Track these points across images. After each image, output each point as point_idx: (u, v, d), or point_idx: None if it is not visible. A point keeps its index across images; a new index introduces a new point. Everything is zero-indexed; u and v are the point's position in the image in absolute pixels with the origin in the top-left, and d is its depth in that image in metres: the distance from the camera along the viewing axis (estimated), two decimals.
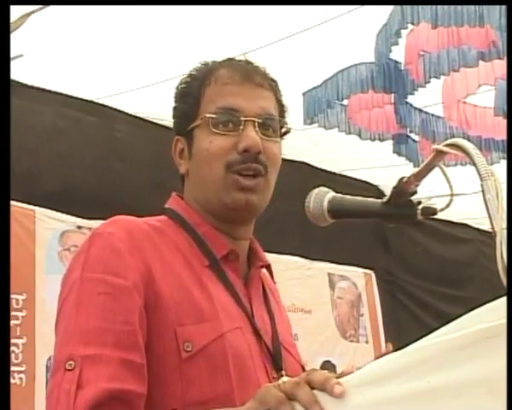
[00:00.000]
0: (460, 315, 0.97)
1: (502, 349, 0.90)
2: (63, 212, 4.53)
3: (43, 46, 4.16)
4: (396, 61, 4.57)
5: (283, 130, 1.61)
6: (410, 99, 4.87)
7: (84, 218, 4.48)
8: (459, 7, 3.99)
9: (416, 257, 6.86)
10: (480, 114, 5.03)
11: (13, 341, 4.03)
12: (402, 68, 4.58)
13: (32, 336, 4.14)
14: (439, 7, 4.00)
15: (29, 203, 4.39)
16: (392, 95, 4.83)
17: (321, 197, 1.40)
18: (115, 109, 4.96)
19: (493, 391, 0.90)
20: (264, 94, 1.56)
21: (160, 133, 4.77)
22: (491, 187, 1.10)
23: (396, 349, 1.00)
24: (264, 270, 1.66)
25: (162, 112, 4.66)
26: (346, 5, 4.07)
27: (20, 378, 4.07)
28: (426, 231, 6.76)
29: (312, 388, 1.01)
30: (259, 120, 1.52)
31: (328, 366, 5.55)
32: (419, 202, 1.32)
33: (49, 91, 4.66)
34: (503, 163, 4.94)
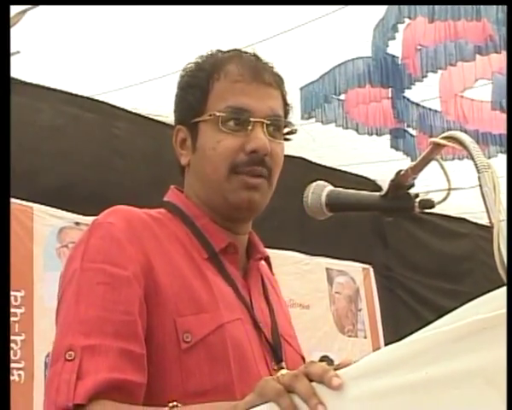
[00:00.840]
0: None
1: (499, 340, 0.90)
2: (61, 208, 4.53)
3: (41, 43, 4.15)
4: (393, 56, 4.58)
5: (287, 129, 1.60)
6: (408, 93, 4.87)
7: (82, 214, 4.47)
8: None
9: (414, 252, 6.86)
10: (477, 108, 5.03)
11: (11, 337, 4.03)
12: (399, 63, 4.59)
13: (30, 333, 4.14)
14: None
15: (27, 200, 4.38)
16: (390, 89, 4.83)
17: (319, 191, 1.41)
18: (114, 106, 4.96)
19: (491, 382, 0.91)
20: (272, 93, 1.55)
21: (159, 130, 4.77)
22: (488, 179, 1.11)
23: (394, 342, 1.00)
24: (263, 262, 1.66)
25: (161, 108, 4.67)
26: (341, 5, 4.07)
27: (19, 375, 4.07)
28: (424, 225, 6.76)
29: (311, 380, 1.02)
30: (268, 122, 1.51)
31: (326, 361, 5.57)
32: (416, 195, 1.33)
33: (47, 88, 4.65)
34: (501, 157, 4.94)
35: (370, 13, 4.22)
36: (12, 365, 4.01)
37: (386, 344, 1.30)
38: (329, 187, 1.42)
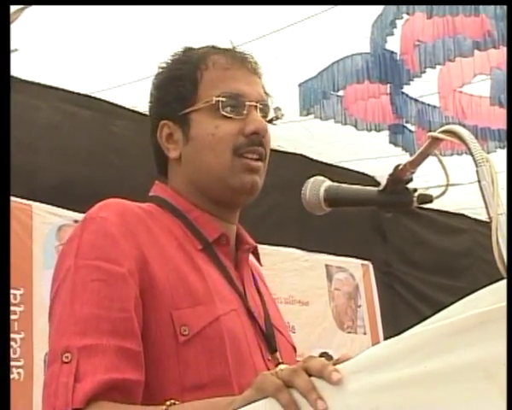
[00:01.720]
0: None
1: (497, 334, 0.90)
2: (60, 206, 4.52)
3: (39, 40, 4.15)
4: (391, 52, 4.58)
5: (271, 116, 1.62)
6: (406, 89, 4.87)
7: (81, 212, 4.44)
8: None
9: (413, 248, 6.86)
10: (475, 104, 5.03)
11: (11, 336, 4.03)
12: (397, 58, 4.59)
13: (29, 331, 4.14)
14: None
15: (26, 198, 4.38)
16: (388, 85, 4.83)
17: (317, 186, 1.41)
18: (112, 104, 4.96)
19: (490, 376, 0.91)
20: (257, 81, 1.59)
21: None
22: (486, 173, 1.11)
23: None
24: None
25: None
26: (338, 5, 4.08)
27: (19, 373, 4.07)
28: (423, 221, 6.76)
29: (310, 375, 1.02)
30: (261, 106, 1.54)
31: (325, 357, 5.55)
32: (415, 190, 1.33)
33: (45, 86, 4.64)
34: (500, 152, 4.94)
35: (369, 9, 4.22)
36: (11, 363, 4.01)
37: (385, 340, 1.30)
38: (328, 182, 1.41)
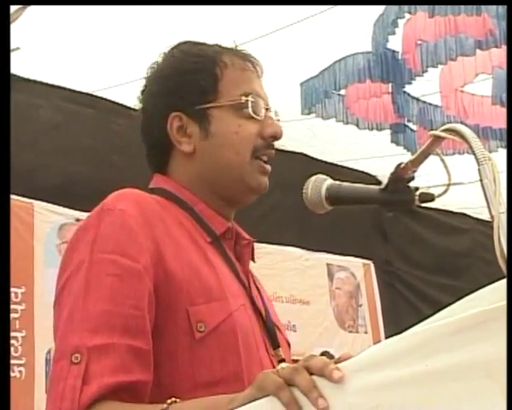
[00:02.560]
0: None
1: (499, 333, 0.90)
2: (62, 205, 4.53)
3: (40, 39, 4.15)
4: (393, 51, 4.58)
5: None
6: (408, 88, 4.88)
7: (82, 211, 4.47)
8: None
9: (414, 247, 6.86)
10: (477, 103, 5.03)
11: (12, 334, 4.03)
12: (399, 58, 4.59)
13: (31, 330, 4.14)
14: None
15: (27, 197, 4.38)
16: (390, 84, 4.83)
17: (319, 184, 1.40)
18: (113, 102, 4.95)
19: (491, 375, 0.90)
20: (262, 84, 1.60)
21: None
22: (488, 172, 1.10)
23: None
24: None
25: None
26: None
27: (20, 371, 4.07)
28: (424, 221, 6.76)
29: (311, 373, 1.01)
30: (272, 110, 1.57)
31: (326, 356, 5.54)
32: (416, 189, 1.32)
33: (47, 84, 4.65)
34: (501, 151, 4.94)
35: (370, 8, 4.22)
36: (13, 361, 4.01)
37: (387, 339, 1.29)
38: (329, 180, 1.41)
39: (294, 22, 4.30)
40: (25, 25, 3.86)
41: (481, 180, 1.10)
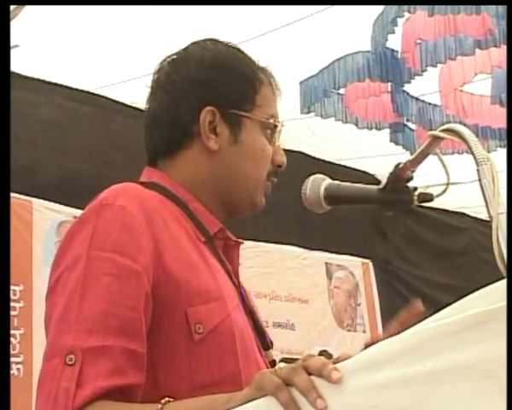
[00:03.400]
0: None
1: (498, 333, 0.90)
2: (60, 203, 4.53)
3: (39, 37, 4.15)
4: (392, 50, 4.58)
5: None
6: (407, 88, 4.88)
7: (81, 209, 4.44)
8: None
9: (413, 246, 6.86)
10: (476, 103, 5.03)
11: (10, 332, 4.03)
12: (399, 57, 4.59)
13: (29, 327, 4.15)
14: None
15: (26, 194, 4.38)
16: (389, 83, 4.84)
17: (317, 184, 1.40)
18: (112, 100, 4.95)
19: (490, 375, 0.90)
20: None
21: None
22: (487, 172, 1.10)
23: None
24: None
25: None
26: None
27: (18, 369, 4.07)
28: (423, 220, 6.77)
29: (309, 373, 1.01)
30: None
31: (325, 355, 5.55)
32: (415, 188, 1.32)
33: (46, 82, 4.64)
34: (500, 151, 4.94)
35: (369, 7, 4.22)
36: (11, 359, 4.01)
37: (385, 339, 1.29)
38: (328, 180, 1.41)
39: (294, 21, 4.30)
40: (24, 22, 3.86)
41: (480, 181, 1.10)
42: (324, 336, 5.95)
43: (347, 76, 4.64)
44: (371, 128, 5.14)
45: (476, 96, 5.06)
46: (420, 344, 0.94)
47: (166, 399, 1.20)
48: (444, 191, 1.28)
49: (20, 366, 4.08)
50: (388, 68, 4.57)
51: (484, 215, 1.10)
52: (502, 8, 4.10)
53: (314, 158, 5.94)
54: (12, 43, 3.83)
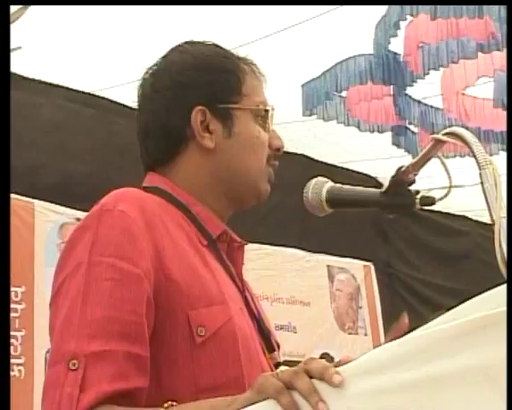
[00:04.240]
0: None
1: (499, 338, 0.90)
2: (62, 204, 4.53)
3: (42, 38, 4.15)
4: (395, 53, 4.58)
5: None
6: (409, 91, 4.88)
7: (83, 210, 4.46)
8: None
9: (415, 249, 6.86)
10: (479, 106, 5.03)
11: (12, 333, 4.03)
12: (401, 60, 4.59)
13: (30, 329, 4.15)
14: None
15: (28, 196, 4.38)
16: (391, 86, 4.83)
17: (319, 187, 1.40)
18: (114, 102, 4.95)
19: (491, 380, 0.90)
20: None
21: None
22: (489, 175, 1.10)
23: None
24: None
25: None
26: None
27: (19, 371, 4.07)
28: (425, 223, 6.76)
29: (311, 377, 1.01)
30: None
31: (326, 358, 5.54)
32: (417, 192, 1.32)
33: (48, 84, 4.65)
34: (502, 155, 4.94)
35: (372, 10, 4.22)
36: (12, 360, 4.01)
37: (386, 342, 1.28)
38: (330, 183, 1.41)
39: (296, 24, 4.30)
40: (26, 24, 3.86)
41: (482, 184, 1.10)
42: (326, 338, 5.95)
43: (349, 79, 4.65)
44: (373, 131, 5.14)
45: (479, 99, 5.06)
46: (421, 349, 0.94)
47: (169, 403, 1.20)
48: (446, 194, 1.28)
49: (21, 368, 4.08)
50: (391, 71, 4.57)
51: (486, 218, 1.09)
52: (504, 12, 4.09)
53: (316, 161, 5.94)
54: (14, 44, 3.84)
